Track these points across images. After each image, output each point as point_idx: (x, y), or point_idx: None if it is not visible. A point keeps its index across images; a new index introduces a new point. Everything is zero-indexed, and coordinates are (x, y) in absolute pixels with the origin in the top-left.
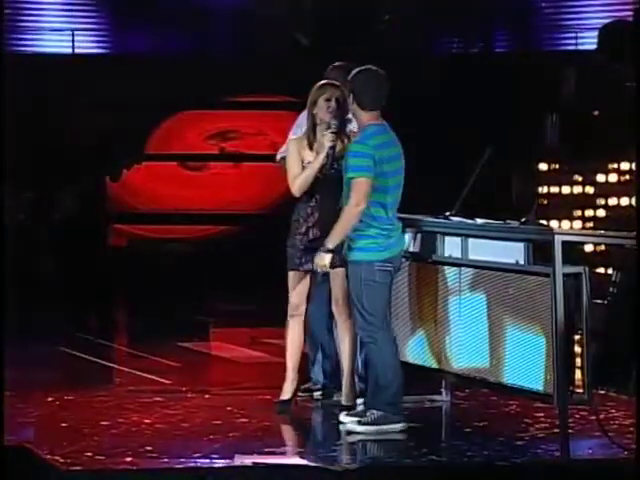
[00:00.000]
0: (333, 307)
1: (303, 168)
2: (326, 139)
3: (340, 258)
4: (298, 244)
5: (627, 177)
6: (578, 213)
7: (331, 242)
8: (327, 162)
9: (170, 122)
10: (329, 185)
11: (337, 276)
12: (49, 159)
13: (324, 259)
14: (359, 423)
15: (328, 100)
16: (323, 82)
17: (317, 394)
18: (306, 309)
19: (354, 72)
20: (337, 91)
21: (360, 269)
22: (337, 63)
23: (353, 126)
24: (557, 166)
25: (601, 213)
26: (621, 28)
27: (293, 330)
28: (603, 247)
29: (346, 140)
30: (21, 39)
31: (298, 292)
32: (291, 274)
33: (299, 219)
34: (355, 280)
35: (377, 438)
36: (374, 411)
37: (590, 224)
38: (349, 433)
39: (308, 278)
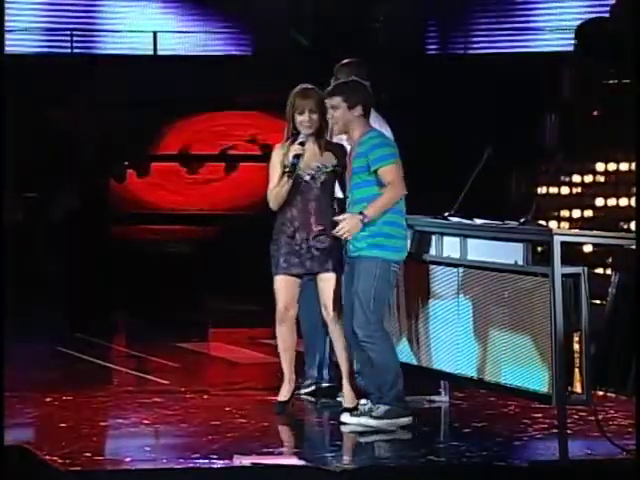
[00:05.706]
0: (323, 313)
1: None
2: (292, 149)
3: (334, 262)
4: (284, 248)
5: (626, 177)
6: (577, 213)
7: (370, 213)
8: (293, 172)
9: (172, 122)
10: (323, 188)
11: (327, 281)
12: (50, 159)
13: (358, 227)
14: (372, 417)
15: (301, 114)
16: (296, 92)
17: (309, 390)
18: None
19: (356, 84)
20: (311, 102)
21: (376, 266)
22: (346, 60)
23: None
24: (556, 166)
25: (599, 214)
26: (598, 26)
27: (283, 339)
28: (602, 247)
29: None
30: (20, 39)
31: (286, 297)
32: (278, 279)
33: (285, 222)
34: (367, 276)
35: (377, 438)
36: (381, 405)
37: (589, 225)
38: (360, 431)
39: (296, 282)
